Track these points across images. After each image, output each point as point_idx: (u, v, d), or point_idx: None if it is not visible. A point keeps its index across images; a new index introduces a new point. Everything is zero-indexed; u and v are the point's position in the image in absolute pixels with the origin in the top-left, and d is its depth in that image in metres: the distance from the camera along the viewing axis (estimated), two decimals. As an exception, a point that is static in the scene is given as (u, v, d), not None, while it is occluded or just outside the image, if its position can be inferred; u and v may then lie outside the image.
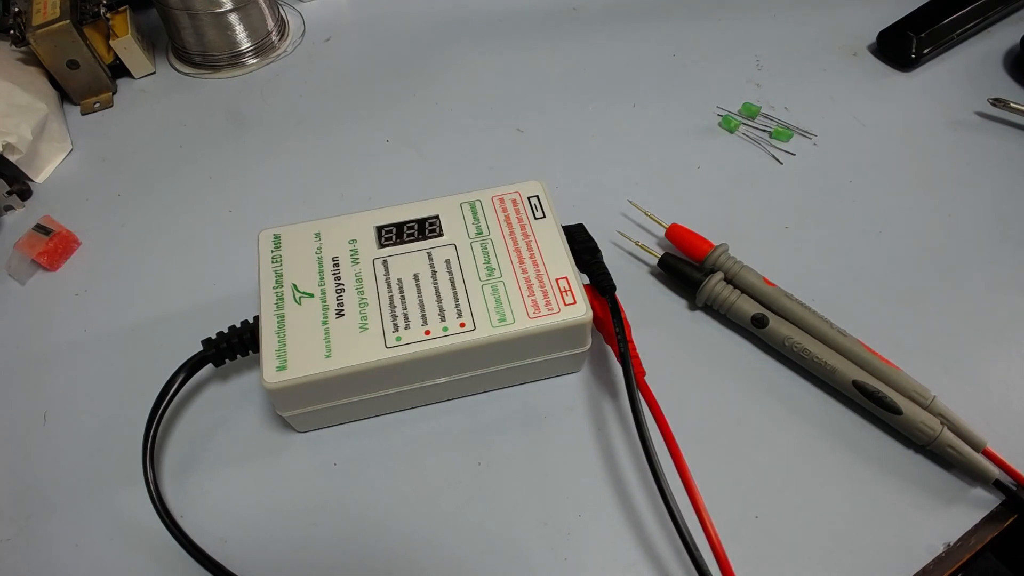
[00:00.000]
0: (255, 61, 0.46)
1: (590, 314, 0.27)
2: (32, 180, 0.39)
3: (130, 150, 0.41)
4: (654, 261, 0.34)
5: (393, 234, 0.29)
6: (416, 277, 0.28)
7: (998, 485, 0.27)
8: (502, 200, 0.30)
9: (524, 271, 0.28)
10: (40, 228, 0.36)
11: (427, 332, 0.26)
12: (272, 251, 0.29)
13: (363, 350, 0.26)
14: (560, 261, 0.28)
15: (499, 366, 0.28)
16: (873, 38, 0.45)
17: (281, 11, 0.48)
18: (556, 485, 0.28)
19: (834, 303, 0.32)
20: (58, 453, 0.29)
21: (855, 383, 0.29)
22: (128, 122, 0.43)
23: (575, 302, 0.27)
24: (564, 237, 0.29)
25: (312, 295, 0.27)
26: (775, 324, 0.30)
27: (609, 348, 0.31)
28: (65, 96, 0.44)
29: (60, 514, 0.28)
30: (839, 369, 0.29)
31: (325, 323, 0.26)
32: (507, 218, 0.30)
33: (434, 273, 0.28)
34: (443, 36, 0.47)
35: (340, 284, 0.28)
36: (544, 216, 0.30)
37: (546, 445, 0.29)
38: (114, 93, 0.44)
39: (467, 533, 0.27)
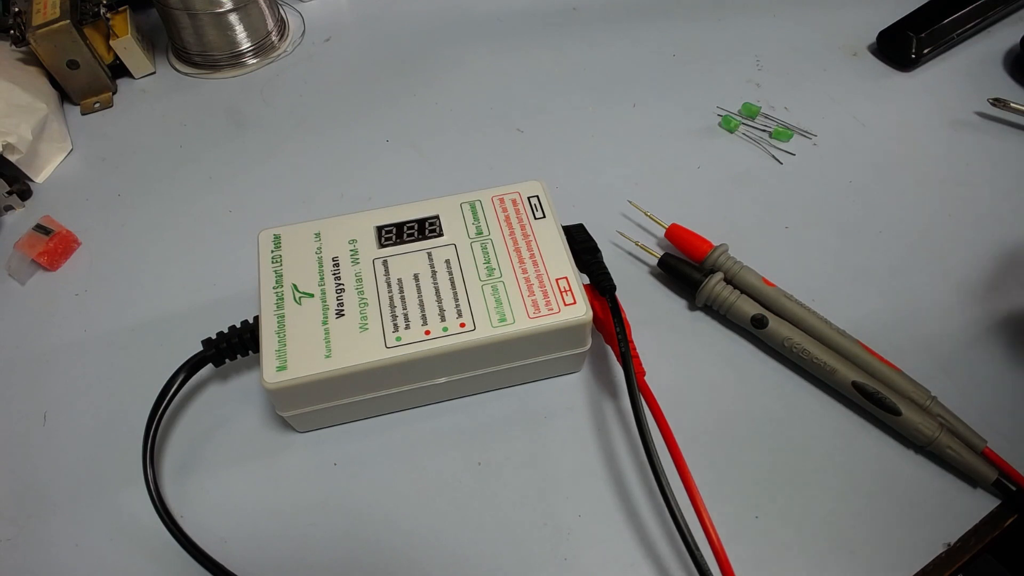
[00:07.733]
0: (255, 61, 0.46)
1: (590, 314, 0.27)
2: (32, 180, 0.39)
3: (130, 150, 0.41)
4: (654, 261, 0.34)
5: (393, 234, 0.29)
6: (416, 277, 0.28)
7: (998, 486, 0.27)
8: (502, 200, 0.30)
9: (524, 271, 0.28)
10: (40, 228, 0.36)
11: (427, 332, 0.26)
12: (272, 251, 0.29)
13: (363, 350, 0.26)
14: (560, 261, 0.28)
15: (499, 366, 0.28)
16: (873, 38, 0.45)
17: (281, 11, 0.48)
18: (556, 485, 0.28)
19: (834, 303, 0.32)
20: (58, 453, 0.29)
21: (855, 384, 0.29)
22: (128, 122, 0.43)
23: (575, 302, 0.27)
24: (564, 237, 0.29)
25: (312, 295, 0.27)
26: (775, 324, 0.30)
27: (609, 348, 0.31)
28: (65, 96, 0.44)
29: (60, 514, 0.28)
30: (839, 370, 0.29)
31: (325, 323, 0.26)
32: (507, 218, 0.30)
33: (434, 273, 0.28)
34: (443, 36, 0.47)
35: (340, 284, 0.28)
36: (544, 216, 0.30)
37: (546, 445, 0.29)
38: (114, 93, 0.44)
39: (467, 533, 0.27)
